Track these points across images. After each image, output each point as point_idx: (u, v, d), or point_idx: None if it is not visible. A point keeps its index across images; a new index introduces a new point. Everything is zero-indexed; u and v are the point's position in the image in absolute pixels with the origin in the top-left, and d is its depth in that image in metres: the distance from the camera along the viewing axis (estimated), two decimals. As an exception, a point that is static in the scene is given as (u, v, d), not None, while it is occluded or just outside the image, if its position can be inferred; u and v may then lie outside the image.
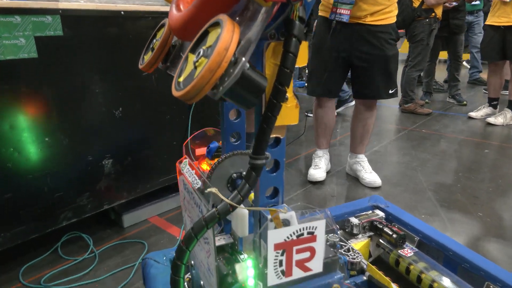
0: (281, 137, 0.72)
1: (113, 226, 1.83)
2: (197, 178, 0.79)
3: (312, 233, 0.63)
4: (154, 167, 1.80)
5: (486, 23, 3.72)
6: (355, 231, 1.47)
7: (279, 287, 0.66)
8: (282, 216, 0.71)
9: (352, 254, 1.31)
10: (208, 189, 0.70)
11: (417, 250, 1.39)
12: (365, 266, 1.30)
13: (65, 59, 1.42)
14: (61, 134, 1.45)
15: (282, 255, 0.62)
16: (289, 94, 0.67)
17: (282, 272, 0.62)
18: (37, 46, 1.31)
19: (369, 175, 2.31)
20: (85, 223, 1.82)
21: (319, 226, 0.63)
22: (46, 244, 1.66)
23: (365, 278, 1.27)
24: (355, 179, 2.39)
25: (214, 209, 0.64)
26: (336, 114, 3.99)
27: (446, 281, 1.22)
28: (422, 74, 4.62)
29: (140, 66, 0.88)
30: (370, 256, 1.51)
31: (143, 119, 1.71)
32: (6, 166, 1.33)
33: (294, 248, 0.62)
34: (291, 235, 0.61)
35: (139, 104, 1.68)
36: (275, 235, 0.60)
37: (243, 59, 0.50)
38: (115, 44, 1.56)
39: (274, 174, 0.74)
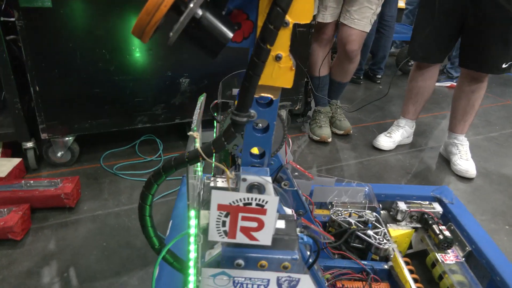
0: (274, 99, 0.66)
1: (185, 140, 2.02)
2: (197, 117, 0.79)
3: (261, 206, 0.59)
4: (227, 95, 1.86)
5: None
6: (398, 217, 1.33)
7: (228, 246, 0.66)
8: (258, 180, 0.68)
9: (380, 239, 1.21)
10: (189, 133, 0.71)
11: (462, 260, 1.21)
12: (391, 255, 1.20)
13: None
14: (147, 46, 1.58)
15: (226, 216, 0.60)
16: (284, 53, 0.59)
17: (225, 232, 0.62)
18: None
19: (463, 162, 1.98)
20: (162, 131, 2.04)
21: (271, 201, 0.59)
22: (127, 140, 1.93)
23: (386, 266, 1.18)
24: (446, 162, 2.09)
25: (186, 153, 0.65)
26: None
27: (476, 305, 1.05)
28: None
29: None
30: (410, 247, 1.37)
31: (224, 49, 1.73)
32: (98, 65, 1.53)
33: (240, 214, 0.60)
34: (237, 201, 0.59)
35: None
36: (219, 196, 0.59)
37: (191, 5, 0.45)
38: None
39: (262, 135, 0.70)
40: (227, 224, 0.61)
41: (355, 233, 1.22)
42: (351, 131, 2.27)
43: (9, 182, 1.45)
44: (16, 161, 1.59)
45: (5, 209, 1.29)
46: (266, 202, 0.59)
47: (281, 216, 0.69)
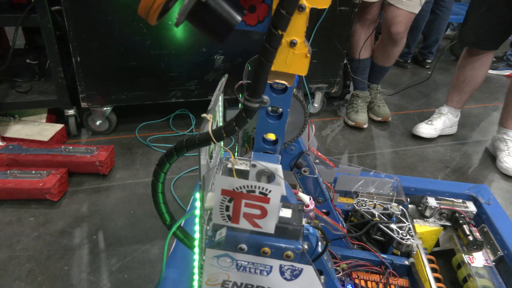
0: (288, 86, 0.64)
1: (218, 116, 2.03)
2: (214, 98, 0.79)
3: (265, 194, 0.58)
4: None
5: None
6: (427, 213, 1.27)
7: (233, 229, 0.67)
8: (267, 167, 0.67)
9: (404, 234, 1.17)
10: (203, 114, 0.70)
11: (492, 265, 1.14)
12: (413, 252, 1.16)
13: None
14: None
15: (229, 201, 0.61)
16: (299, 39, 0.57)
17: (228, 216, 0.62)
18: None
19: (511, 160, 1.83)
20: (196, 106, 2.06)
21: (274, 191, 0.58)
22: (163, 113, 1.98)
23: (406, 262, 1.14)
24: (491, 158, 1.94)
25: (197, 135, 0.66)
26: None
27: (499, 314, 1.00)
28: None
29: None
30: (438, 245, 1.31)
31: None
32: (135, 38, 1.56)
33: (243, 200, 0.60)
34: (240, 188, 0.59)
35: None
36: (223, 181, 0.59)
37: (195, -13, 0.44)
38: None
39: (275, 122, 0.68)
40: (230, 209, 0.61)
41: (378, 225, 1.19)
42: (390, 118, 2.16)
43: (51, 146, 1.55)
44: (58, 126, 1.69)
45: (45, 172, 1.39)
46: (270, 191, 0.58)
47: (289, 205, 0.68)
